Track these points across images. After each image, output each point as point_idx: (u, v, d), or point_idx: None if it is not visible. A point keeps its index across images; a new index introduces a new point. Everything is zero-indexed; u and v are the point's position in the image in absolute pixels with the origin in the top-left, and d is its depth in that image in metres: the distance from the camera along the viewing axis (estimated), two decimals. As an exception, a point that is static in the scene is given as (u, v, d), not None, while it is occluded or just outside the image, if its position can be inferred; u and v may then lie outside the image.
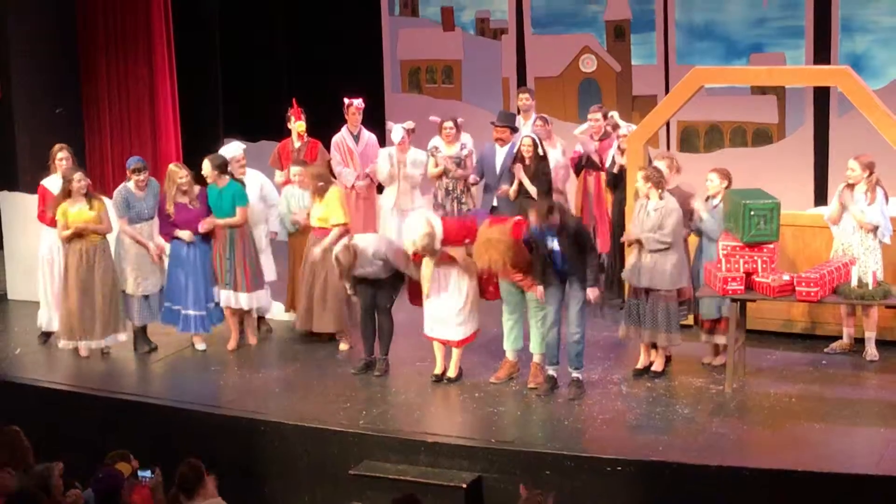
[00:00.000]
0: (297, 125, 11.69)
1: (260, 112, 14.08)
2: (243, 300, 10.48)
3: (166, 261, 10.54)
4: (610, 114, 11.59)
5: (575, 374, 9.25)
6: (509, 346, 9.57)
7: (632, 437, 8.49)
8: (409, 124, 11.82)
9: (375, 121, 12.86)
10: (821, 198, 12.60)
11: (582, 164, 11.46)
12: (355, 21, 14.53)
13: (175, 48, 13.90)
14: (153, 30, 13.73)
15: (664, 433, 8.48)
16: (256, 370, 10.13)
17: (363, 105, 11.96)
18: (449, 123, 11.57)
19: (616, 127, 11.36)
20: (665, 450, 8.22)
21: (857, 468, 7.82)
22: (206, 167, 10.44)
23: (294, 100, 11.87)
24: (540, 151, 10.63)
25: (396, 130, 11.64)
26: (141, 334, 10.60)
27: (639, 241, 9.27)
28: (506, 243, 9.04)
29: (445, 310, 9.45)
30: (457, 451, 8.50)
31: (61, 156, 10.71)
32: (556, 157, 11.24)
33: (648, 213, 9.26)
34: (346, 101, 11.92)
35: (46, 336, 10.83)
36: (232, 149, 10.96)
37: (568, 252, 9.02)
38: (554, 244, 9.02)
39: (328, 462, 8.78)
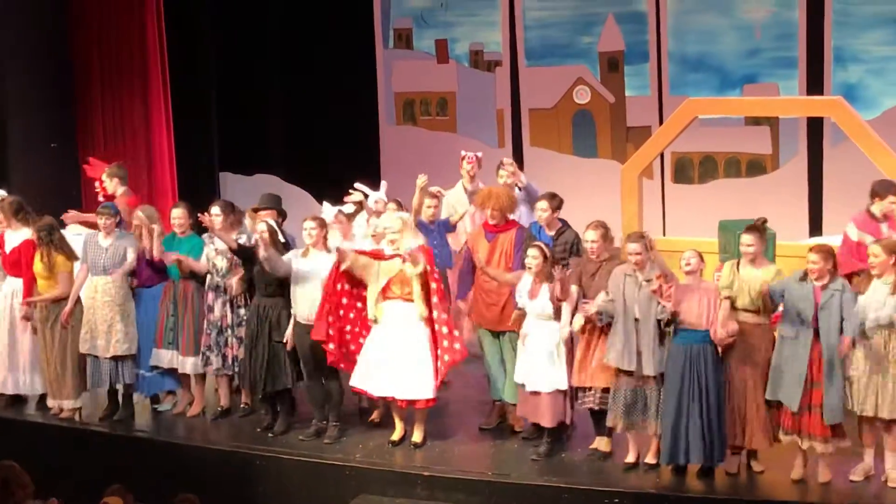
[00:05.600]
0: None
1: (257, 146, 14.12)
2: (189, 365, 9.65)
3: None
4: (383, 184, 10.09)
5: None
6: (494, 395, 9.31)
7: (629, 470, 8.45)
8: (349, 208, 9.82)
9: (372, 153, 12.85)
10: (816, 228, 12.62)
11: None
12: (350, 54, 14.58)
13: (170, 83, 13.97)
14: (148, 64, 13.82)
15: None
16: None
17: (476, 158, 10.69)
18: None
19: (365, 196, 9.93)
20: (662, 482, 8.19)
21: None
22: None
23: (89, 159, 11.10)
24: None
25: (328, 212, 9.55)
26: (111, 397, 9.84)
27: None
28: (507, 195, 9.18)
29: (400, 358, 8.75)
30: (454, 485, 8.46)
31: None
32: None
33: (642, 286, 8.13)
34: (462, 153, 10.72)
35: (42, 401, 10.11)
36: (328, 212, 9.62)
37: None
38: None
39: (325, 496, 8.73)
